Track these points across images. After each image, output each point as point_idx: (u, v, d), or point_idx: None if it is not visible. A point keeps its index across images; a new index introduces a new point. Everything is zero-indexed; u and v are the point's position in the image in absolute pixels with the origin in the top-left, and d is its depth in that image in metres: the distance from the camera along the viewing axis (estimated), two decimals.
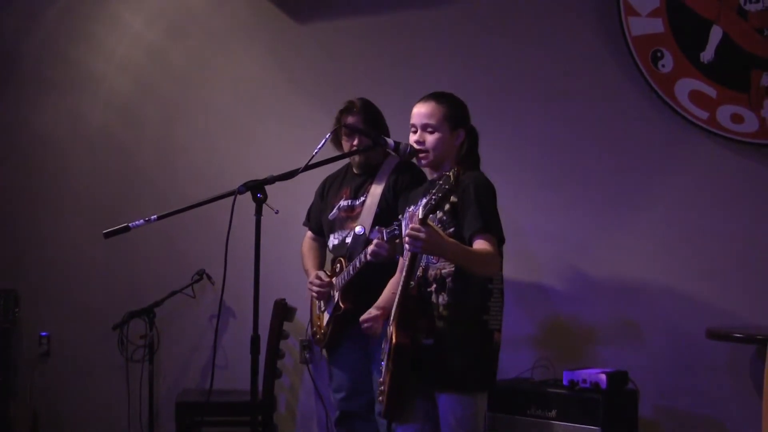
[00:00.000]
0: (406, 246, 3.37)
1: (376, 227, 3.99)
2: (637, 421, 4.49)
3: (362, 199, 4.41)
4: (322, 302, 4.50)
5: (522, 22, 5.15)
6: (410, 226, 3.33)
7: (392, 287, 3.74)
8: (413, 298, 3.50)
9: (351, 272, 4.23)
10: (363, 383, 4.36)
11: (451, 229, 3.50)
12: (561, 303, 5.04)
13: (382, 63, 5.35)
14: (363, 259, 4.11)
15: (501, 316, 3.56)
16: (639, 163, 4.96)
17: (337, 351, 4.46)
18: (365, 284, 4.13)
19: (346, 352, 4.41)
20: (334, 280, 4.41)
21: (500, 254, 3.56)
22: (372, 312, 3.84)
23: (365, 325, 3.83)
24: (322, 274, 4.46)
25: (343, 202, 4.49)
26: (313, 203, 4.74)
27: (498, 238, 3.51)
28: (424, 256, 3.53)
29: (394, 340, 3.44)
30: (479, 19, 5.20)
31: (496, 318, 3.52)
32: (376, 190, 4.38)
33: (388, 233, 3.80)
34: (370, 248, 4.03)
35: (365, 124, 4.38)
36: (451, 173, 3.25)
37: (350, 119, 4.40)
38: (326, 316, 4.45)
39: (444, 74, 5.10)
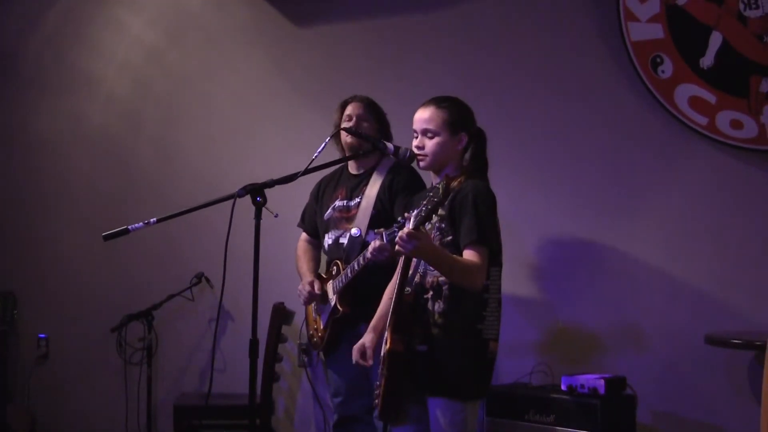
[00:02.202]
0: (397, 247, 3.37)
1: (375, 230, 3.99)
2: (635, 426, 4.49)
3: (357, 200, 4.42)
4: (318, 306, 4.50)
5: (520, 28, 5.15)
6: (404, 230, 3.35)
7: (390, 293, 3.74)
8: (408, 304, 3.51)
9: (349, 275, 4.22)
10: (361, 387, 4.35)
11: (449, 237, 3.51)
12: (559, 309, 5.04)
13: (381, 67, 5.35)
14: (362, 261, 4.10)
15: (498, 325, 3.56)
16: (638, 168, 4.96)
17: (334, 354, 4.45)
18: (363, 287, 4.13)
19: (344, 356, 4.39)
20: (330, 282, 4.41)
21: (499, 263, 3.57)
22: (364, 343, 3.76)
23: (355, 361, 3.77)
24: (317, 283, 4.45)
25: (338, 203, 4.49)
26: (307, 205, 4.74)
27: (492, 250, 3.51)
28: (423, 262, 3.54)
29: (388, 346, 3.45)
30: (478, 23, 5.20)
31: (491, 328, 3.52)
32: (371, 192, 4.38)
33: (388, 235, 3.79)
34: (370, 249, 4.03)
35: (367, 114, 4.44)
36: (440, 185, 3.30)
37: (353, 106, 4.45)
38: (323, 320, 4.45)
39: (444, 78, 5.10)
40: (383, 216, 4.21)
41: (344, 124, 4.44)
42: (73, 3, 5.72)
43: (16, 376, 5.59)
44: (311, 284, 4.44)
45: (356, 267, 4.15)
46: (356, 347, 3.75)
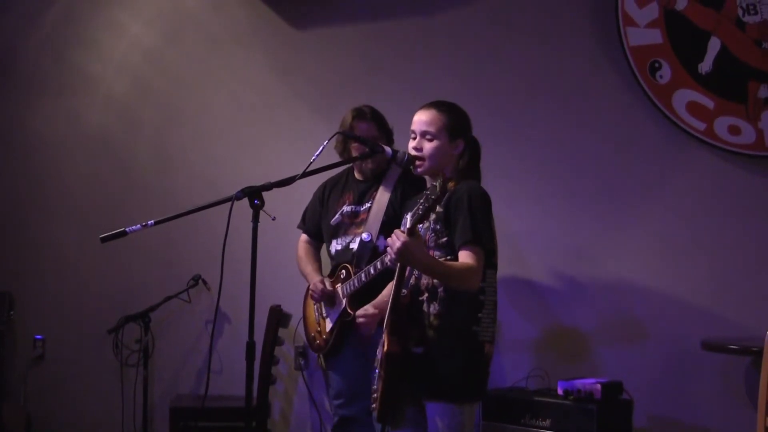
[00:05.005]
0: (387, 255, 3.38)
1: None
2: (632, 431, 4.49)
3: (367, 205, 4.42)
4: (323, 308, 4.49)
5: (519, 32, 5.16)
6: (394, 231, 3.35)
7: (388, 291, 3.74)
8: (404, 307, 3.51)
9: (363, 279, 4.21)
10: (362, 388, 4.34)
11: (445, 239, 3.51)
12: (557, 312, 5.04)
13: (380, 69, 5.35)
14: (380, 266, 4.07)
15: (493, 327, 3.56)
16: (636, 173, 4.97)
17: (336, 357, 4.45)
18: (373, 290, 4.08)
19: (346, 358, 4.40)
20: (339, 286, 4.40)
21: (494, 265, 3.56)
22: (369, 309, 3.88)
23: (360, 320, 3.87)
24: (327, 282, 4.45)
25: (346, 208, 4.49)
26: (309, 206, 4.73)
27: (487, 251, 3.51)
28: None
29: (385, 348, 3.45)
30: (478, 27, 5.21)
31: (487, 330, 3.52)
32: (382, 197, 4.38)
33: None
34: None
35: (378, 131, 4.42)
36: (437, 183, 3.31)
37: (363, 126, 4.42)
38: (329, 323, 4.44)
39: (441, 82, 5.11)
40: (394, 222, 4.18)
41: (355, 147, 4.43)
42: (71, 3, 5.71)
43: (12, 377, 5.57)
44: (322, 282, 4.44)
45: (372, 271, 4.13)
46: (360, 312, 3.87)
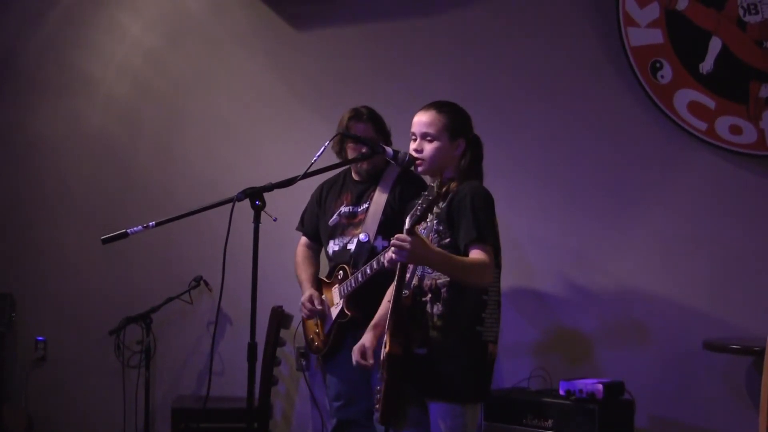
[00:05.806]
0: (393, 256, 3.36)
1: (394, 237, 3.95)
2: (633, 431, 4.49)
3: (365, 206, 4.41)
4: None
5: (519, 32, 5.16)
6: (396, 235, 3.34)
7: (389, 296, 3.72)
8: (406, 307, 3.50)
9: (360, 279, 4.20)
10: (361, 391, 4.34)
11: (447, 240, 3.50)
12: (558, 313, 5.04)
13: (379, 70, 5.35)
14: (375, 266, 4.06)
15: (497, 327, 3.55)
16: (637, 173, 4.97)
17: (334, 359, 4.44)
18: (370, 291, 4.08)
19: (344, 360, 4.38)
20: (336, 287, 4.40)
21: (498, 265, 3.55)
22: (364, 343, 3.72)
23: (356, 362, 3.72)
24: (316, 298, 4.44)
25: (344, 209, 4.48)
26: (307, 208, 4.73)
27: (494, 248, 3.50)
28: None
29: (386, 349, 3.45)
30: (478, 28, 5.21)
31: (491, 330, 3.52)
32: (380, 198, 4.37)
33: None
34: (387, 258, 3.97)
35: (375, 132, 4.40)
36: (435, 184, 3.31)
37: (360, 126, 4.40)
38: (327, 324, 4.44)
39: (441, 83, 5.11)
40: (392, 222, 4.17)
41: (351, 148, 4.42)
42: (72, 4, 5.71)
43: (13, 378, 5.58)
44: (311, 300, 4.43)
45: (368, 271, 4.12)
46: (356, 348, 3.71)
